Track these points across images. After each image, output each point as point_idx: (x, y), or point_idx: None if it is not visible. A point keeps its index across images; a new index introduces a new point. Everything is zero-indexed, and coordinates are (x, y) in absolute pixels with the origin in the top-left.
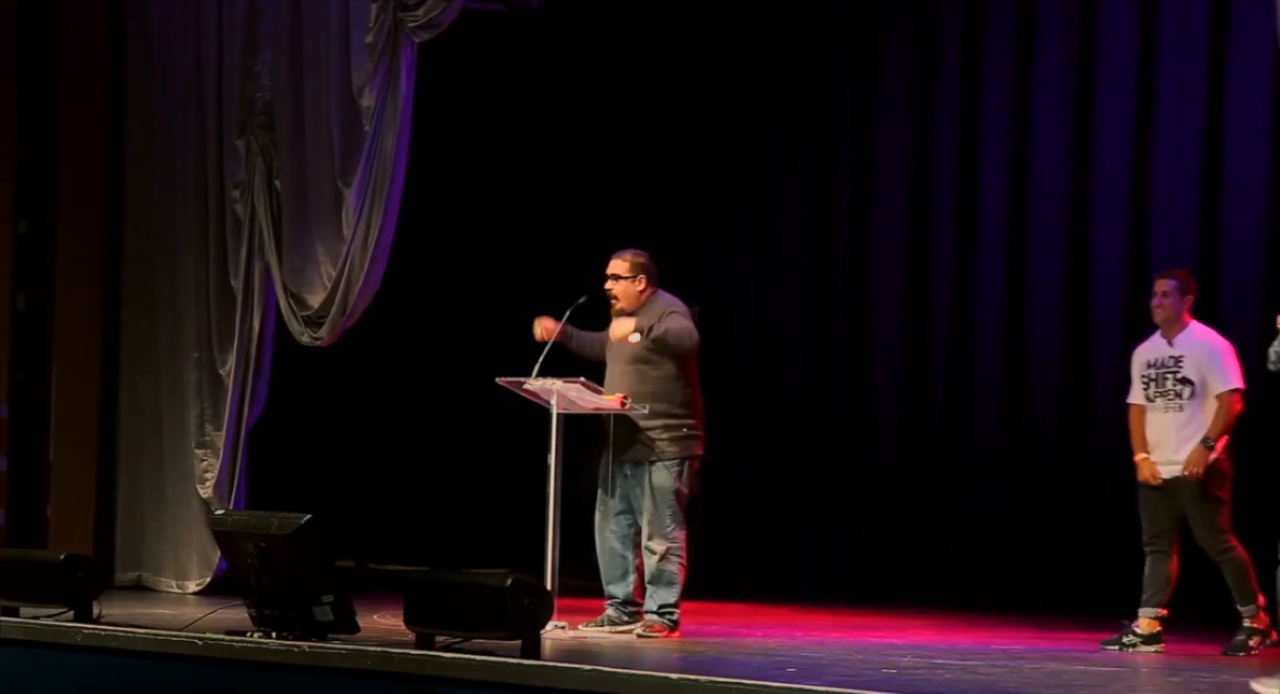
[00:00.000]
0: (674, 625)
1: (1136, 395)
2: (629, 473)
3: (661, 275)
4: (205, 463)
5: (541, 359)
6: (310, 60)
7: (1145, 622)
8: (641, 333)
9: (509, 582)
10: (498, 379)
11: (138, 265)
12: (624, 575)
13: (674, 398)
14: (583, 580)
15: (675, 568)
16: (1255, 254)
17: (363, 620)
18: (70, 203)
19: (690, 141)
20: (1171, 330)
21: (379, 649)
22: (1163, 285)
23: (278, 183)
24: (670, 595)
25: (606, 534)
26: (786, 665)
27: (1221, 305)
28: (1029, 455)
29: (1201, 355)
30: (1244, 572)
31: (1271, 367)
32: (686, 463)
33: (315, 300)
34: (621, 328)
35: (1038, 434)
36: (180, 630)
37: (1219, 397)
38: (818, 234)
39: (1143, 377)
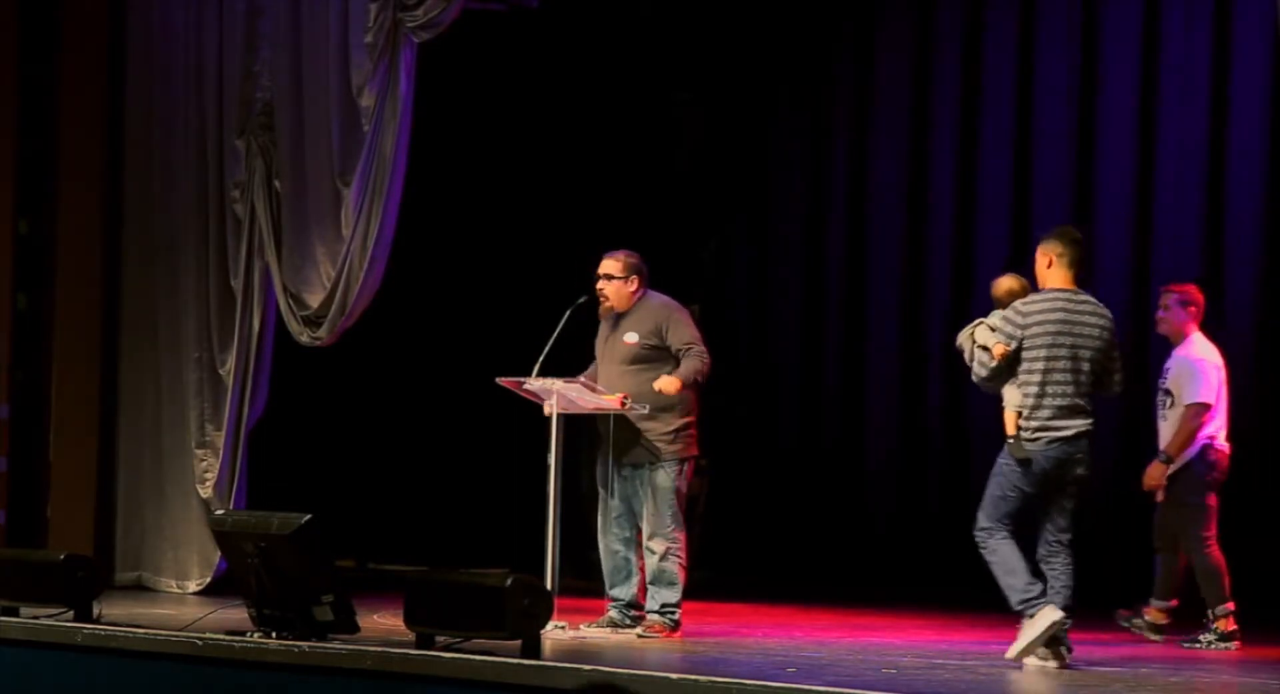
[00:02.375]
0: (675, 625)
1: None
2: (628, 475)
3: (660, 275)
4: (205, 463)
5: (541, 359)
6: (310, 60)
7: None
8: (640, 336)
9: (509, 582)
10: (498, 379)
11: (138, 265)
12: (627, 578)
13: (671, 398)
14: (583, 581)
15: (675, 567)
16: (1256, 249)
17: (363, 620)
18: (70, 203)
19: (688, 141)
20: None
21: (379, 649)
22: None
23: (277, 183)
24: (672, 595)
25: (609, 537)
26: (786, 665)
27: (1225, 301)
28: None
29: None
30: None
31: (980, 381)
32: (685, 463)
33: (315, 300)
34: (667, 384)
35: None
36: (180, 630)
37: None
38: (815, 233)
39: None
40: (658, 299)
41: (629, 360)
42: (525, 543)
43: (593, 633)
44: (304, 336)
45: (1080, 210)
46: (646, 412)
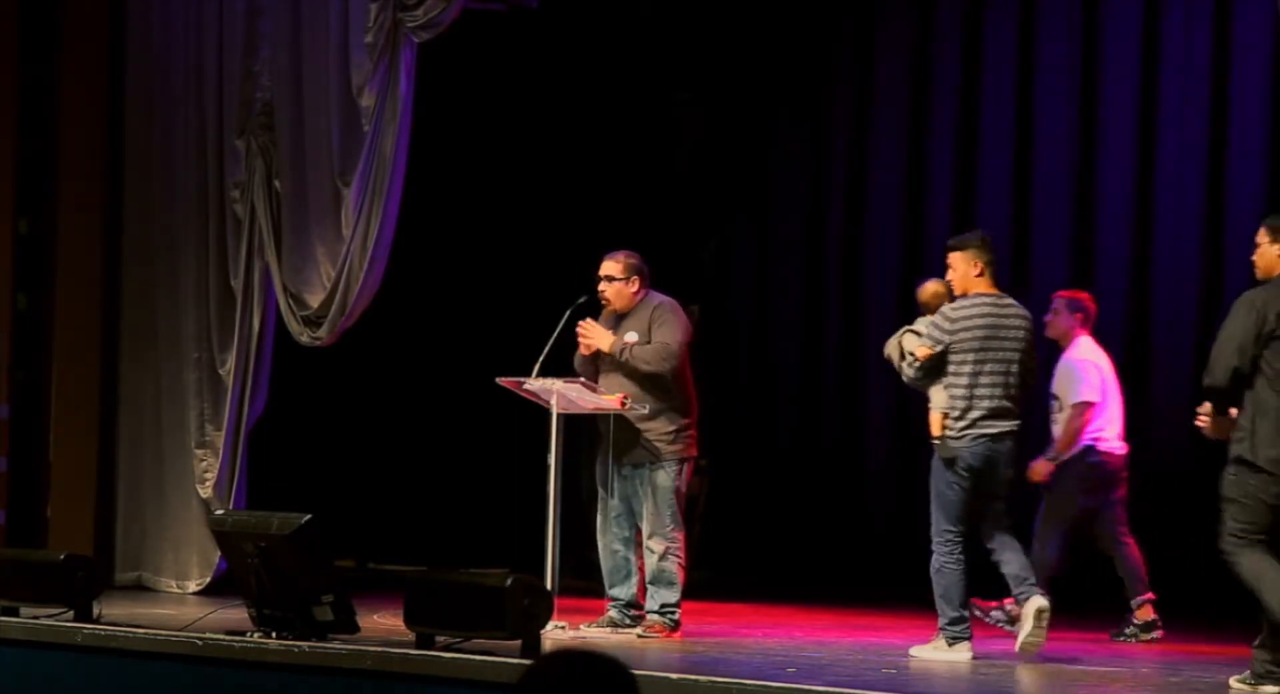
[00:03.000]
0: (675, 625)
1: None
2: (628, 474)
3: (660, 275)
4: (205, 463)
5: (541, 359)
6: (310, 60)
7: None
8: (640, 336)
9: (509, 582)
10: (498, 379)
11: (138, 265)
12: (627, 578)
13: (670, 399)
14: (583, 580)
15: (675, 567)
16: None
17: (363, 620)
18: (70, 203)
19: (688, 141)
20: None
21: (379, 649)
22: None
23: (277, 183)
24: (671, 595)
25: (608, 537)
26: (786, 665)
27: (1224, 301)
28: (1029, 455)
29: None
30: None
31: (910, 380)
32: (684, 463)
33: (315, 300)
34: (604, 340)
35: (1037, 433)
36: (180, 630)
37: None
38: (815, 233)
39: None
40: (657, 299)
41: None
42: (525, 543)
43: (593, 633)
44: (304, 337)
45: (1080, 210)
46: (646, 411)
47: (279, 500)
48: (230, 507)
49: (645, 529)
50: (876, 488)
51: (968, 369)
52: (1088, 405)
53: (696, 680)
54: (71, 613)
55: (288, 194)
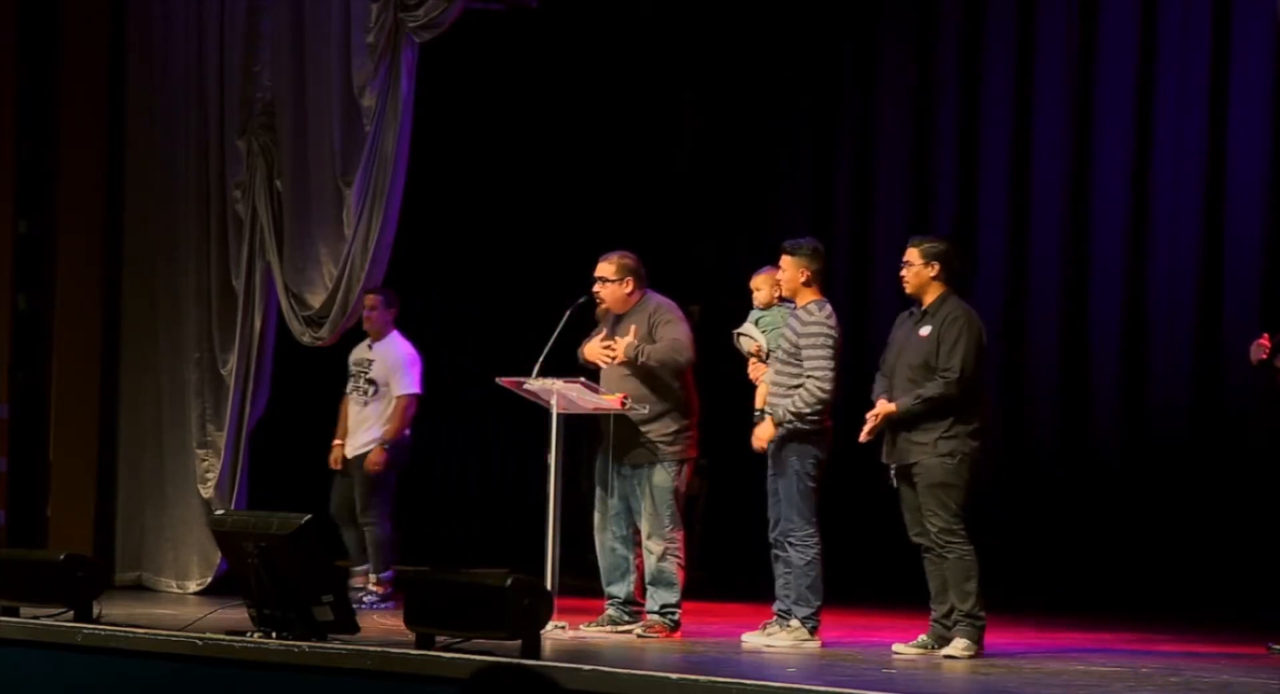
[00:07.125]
0: (675, 625)
1: None
2: (627, 473)
3: (662, 275)
4: (206, 463)
5: (542, 359)
6: (311, 60)
7: None
8: (636, 338)
9: (509, 582)
10: (498, 379)
11: (138, 265)
12: (624, 576)
13: (671, 399)
14: (583, 580)
15: (674, 567)
16: (1256, 251)
17: (363, 620)
18: (70, 203)
19: (690, 141)
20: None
21: (379, 649)
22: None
23: (278, 183)
24: (671, 595)
25: (606, 535)
26: (786, 665)
27: (1224, 302)
28: (1027, 454)
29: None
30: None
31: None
32: (684, 464)
33: (316, 300)
34: (594, 351)
35: (1036, 433)
36: (180, 630)
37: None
38: (817, 233)
39: None
40: (656, 300)
41: (628, 361)
42: (525, 543)
43: (592, 633)
44: (306, 337)
45: (1078, 211)
46: (647, 412)
47: (279, 500)
48: (231, 507)
49: (644, 529)
50: (877, 488)
51: (833, 373)
52: (418, 396)
53: (696, 680)
54: (71, 613)
55: (289, 194)
